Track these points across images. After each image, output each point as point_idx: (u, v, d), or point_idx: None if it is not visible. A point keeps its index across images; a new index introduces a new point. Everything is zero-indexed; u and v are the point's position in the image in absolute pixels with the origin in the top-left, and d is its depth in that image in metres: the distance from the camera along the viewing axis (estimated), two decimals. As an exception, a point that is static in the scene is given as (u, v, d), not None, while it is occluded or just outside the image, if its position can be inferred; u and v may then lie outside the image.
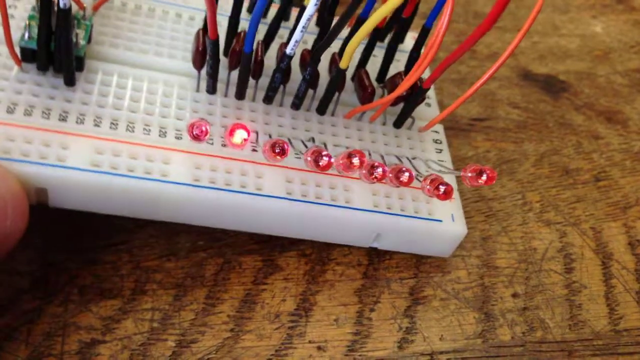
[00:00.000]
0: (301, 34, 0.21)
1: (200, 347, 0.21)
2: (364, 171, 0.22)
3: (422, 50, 0.23)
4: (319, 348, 0.21)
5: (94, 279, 0.22)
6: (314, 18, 0.25)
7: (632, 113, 0.29)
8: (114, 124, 0.21)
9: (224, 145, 0.22)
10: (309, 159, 0.21)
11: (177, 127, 0.22)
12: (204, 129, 0.21)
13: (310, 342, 0.21)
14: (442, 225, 0.22)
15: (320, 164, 0.21)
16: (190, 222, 0.22)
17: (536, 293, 0.23)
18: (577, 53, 0.32)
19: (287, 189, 0.22)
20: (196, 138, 0.21)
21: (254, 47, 0.22)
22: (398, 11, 0.25)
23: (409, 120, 0.25)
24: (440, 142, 0.25)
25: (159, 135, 0.22)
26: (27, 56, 0.22)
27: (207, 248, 0.23)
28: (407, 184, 0.22)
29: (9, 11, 0.23)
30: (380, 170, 0.21)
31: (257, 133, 0.22)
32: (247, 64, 0.22)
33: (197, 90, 0.23)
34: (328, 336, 0.21)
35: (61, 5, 0.20)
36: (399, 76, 0.24)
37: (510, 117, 0.29)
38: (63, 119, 0.21)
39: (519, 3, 0.34)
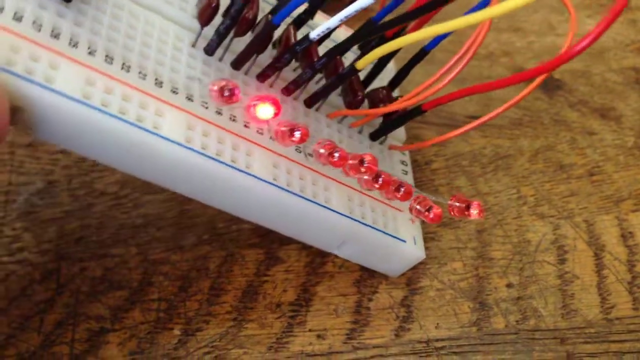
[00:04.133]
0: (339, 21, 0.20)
1: (205, 335, 0.22)
2: (366, 177, 0.22)
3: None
4: (318, 336, 0.22)
5: (103, 271, 0.23)
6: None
7: (626, 110, 0.30)
8: (109, 57, 0.20)
9: (218, 113, 0.21)
10: (322, 151, 0.21)
11: (173, 80, 0.21)
12: (237, 92, 0.20)
13: (310, 330, 0.22)
14: (405, 245, 0.22)
15: (336, 156, 0.21)
16: (172, 186, 0.20)
17: (530, 283, 0.24)
18: (572, 52, 0.33)
19: (274, 174, 0.21)
20: (229, 99, 0.20)
21: (270, 20, 0.21)
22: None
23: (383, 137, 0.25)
24: (406, 164, 0.25)
25: (155, 84, 0.20)
26: None
27: (211, 242, 0.24)
28: (404, 199, 0.22)
29: None
30: (381, 180, 0.22)
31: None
32: (266, 38, 0.21)
33: (194, 46, 0.22)
34: (327, 325, 0.22)
35: None
36: (382, 91, 0.24)
37: (505, 115, 0.29)
38: (55, 36, 0.19)
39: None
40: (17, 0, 0.18)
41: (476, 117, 0.29)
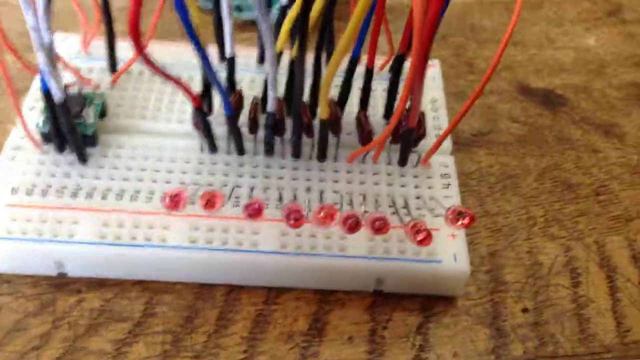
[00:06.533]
0: (272, 92, 0.21)
1: (214, 369, 0.20)
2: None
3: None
4: (333, 368, 0.21)
5: (103, 302, 0.22)
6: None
7: (629, 127, 0.30)
8: (119, 195, 0.22)
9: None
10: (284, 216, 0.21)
11: None
12: (180, 200, 0.21)
13: (324, 362, 0.21)
14: (443, 265, 0.22)
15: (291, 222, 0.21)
16: (193, 280, 0.22)
17: (545, 307, 0.23)
18: (572, 67, 0.32)
19: (281, 242, 0.22)
20: (174, 206, 0.21)
21: (252, 102, 0.23)
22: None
23: (416, 156, 0.24)
24: (449, 176, 0.24)
25: (160, 201, 0.22)
26: (46, 139, 0.23)
27: (216, 268, 0.23)
28: (383, 232, 0.21)
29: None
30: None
31: (252, 189, 0.23)
32: (233, 124, 0.22)
33: (202, 150, 0.24)
34: (342, 355, 0.21)
35: (56, 100, 0.21)
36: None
37: (510, 132, 0.29)
38: (74, 195, 0.22)
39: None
40: (46, 177, 0.22)
41: (482, 134, 0.29)
